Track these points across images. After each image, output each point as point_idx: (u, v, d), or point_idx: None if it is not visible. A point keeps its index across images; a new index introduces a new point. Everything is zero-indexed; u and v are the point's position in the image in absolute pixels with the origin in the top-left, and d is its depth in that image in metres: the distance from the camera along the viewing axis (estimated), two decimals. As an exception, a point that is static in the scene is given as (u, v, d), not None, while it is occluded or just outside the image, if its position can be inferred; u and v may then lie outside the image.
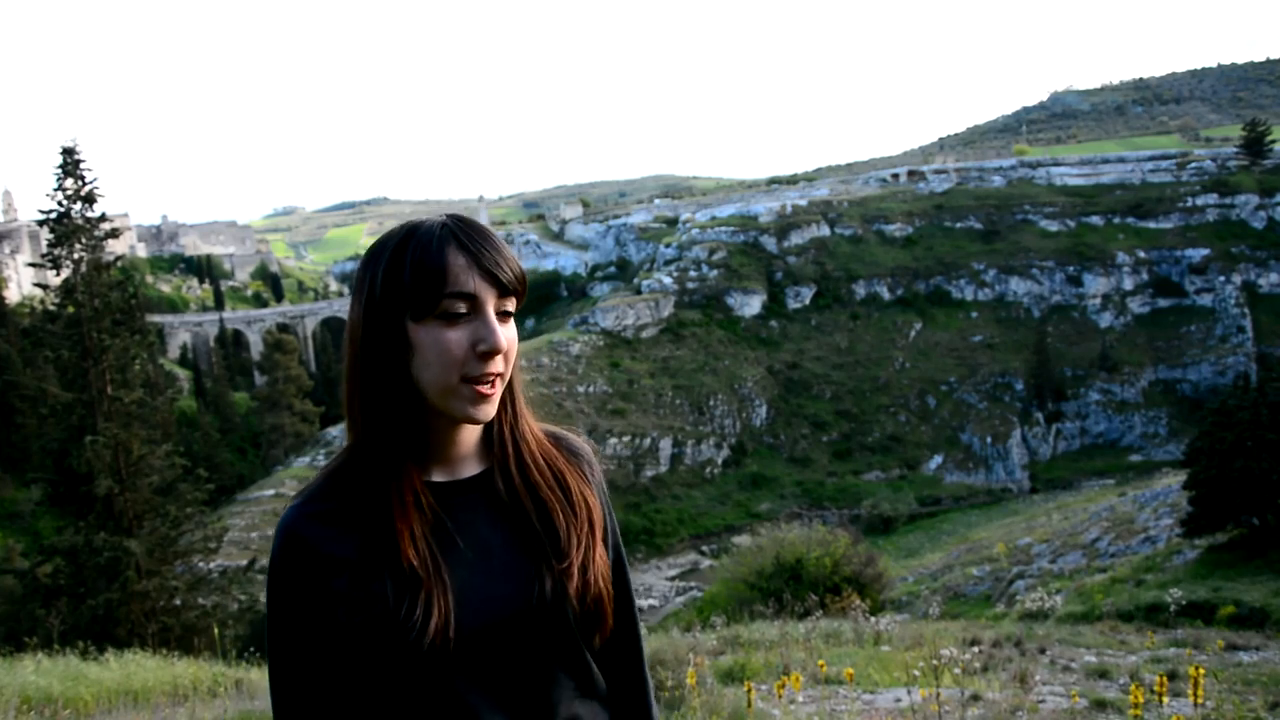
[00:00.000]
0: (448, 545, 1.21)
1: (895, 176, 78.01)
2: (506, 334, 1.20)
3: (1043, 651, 10.05)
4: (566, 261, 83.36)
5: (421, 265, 1.17)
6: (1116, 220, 67.86)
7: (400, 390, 1.20)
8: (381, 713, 1.18)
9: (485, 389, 1.19)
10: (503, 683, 1.20)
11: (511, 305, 1.23)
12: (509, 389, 1.30)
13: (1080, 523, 27.70)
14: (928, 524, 45.98)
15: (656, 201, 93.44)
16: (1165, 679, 4.18)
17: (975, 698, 6.31)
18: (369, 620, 1.15)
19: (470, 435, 1.29)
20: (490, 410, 1.21)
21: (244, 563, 24.89)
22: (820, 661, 6.51)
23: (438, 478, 1.26)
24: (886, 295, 64.49)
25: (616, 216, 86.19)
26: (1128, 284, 64.16)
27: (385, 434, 1.22)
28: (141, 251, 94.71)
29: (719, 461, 54.91)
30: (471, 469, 1.29)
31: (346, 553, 1.18)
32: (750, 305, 63.09)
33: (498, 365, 1.19)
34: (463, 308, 1.17)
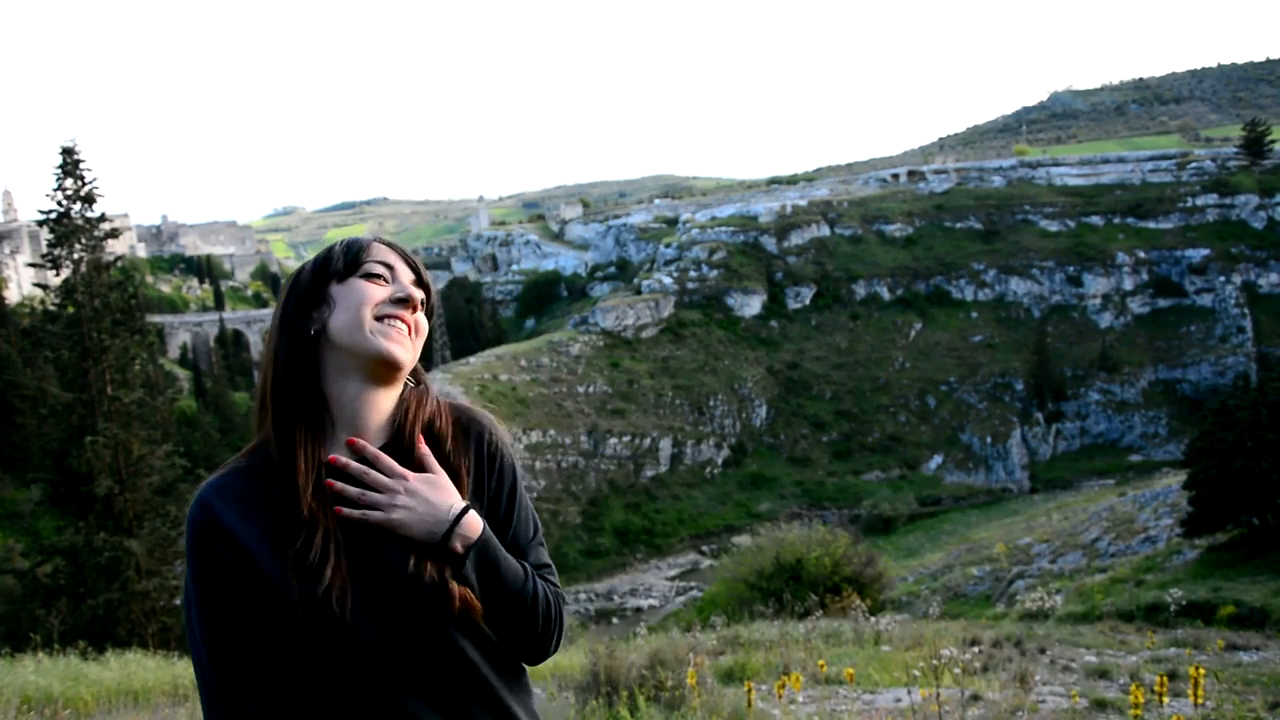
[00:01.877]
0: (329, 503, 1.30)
1: (895, 176, 78.00)
2: (417, 316, 1.36)
3: (1043, 651, 10.05)
4: (566, 261, 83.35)
5: (353, 244, 1.38)
6: (1116, 220, 67.85)
7: (309, 348, 1.32)
8: (286, 672, 1.24)
9: (397, 327, 1.33)
10: (402, 652, 1.25)
11: (421, 296, 1.38)
12: (415, 374, 1.41)
13: (1080, 523, 27.69)
14: (928, 524, 45.98)
15: (656, 201, 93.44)
16: (1165, 679, 4.18)
17: (975, 698, 6.31)
18: (262, 592, 1.22)
19: (383, 405, 1.36)
20: (401, 352, 1.32)
21: (244, 563, 24.84)
22: (820, 661, 6.51)
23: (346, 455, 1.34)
24: (886, 295, 64.48)
25: (616, 216, 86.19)
26: (1128, 284, 64.15)
27: (291, 400, 1.31)
28: (141, 251, 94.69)
29: (719, 461, 54.91)
30: (380, 440, 1.37)
31: (250, 526, 1.26)
32: (750, 305, 63.10)
33: (409, 317, 1.34)
34: (382, 272, 1.35)
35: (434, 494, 1.30)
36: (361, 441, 1.32)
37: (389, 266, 1.36)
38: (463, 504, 1.31)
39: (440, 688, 1.27)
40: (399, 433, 1.36)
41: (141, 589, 17.06)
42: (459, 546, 1.29)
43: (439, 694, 1.27)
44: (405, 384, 1.40)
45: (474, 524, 1.31)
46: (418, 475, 1.31)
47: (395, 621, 1.25)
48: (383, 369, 1.32)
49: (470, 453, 1.41)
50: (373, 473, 1.30)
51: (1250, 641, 11.15)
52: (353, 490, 1.29)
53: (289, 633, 1.22)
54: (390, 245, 1.40)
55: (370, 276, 1.34)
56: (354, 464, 1.30)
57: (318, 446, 1.30)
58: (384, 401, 1.36)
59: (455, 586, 1.27)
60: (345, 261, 1.35)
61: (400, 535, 1.28)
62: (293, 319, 1.34)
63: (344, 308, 1.31)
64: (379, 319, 1.32)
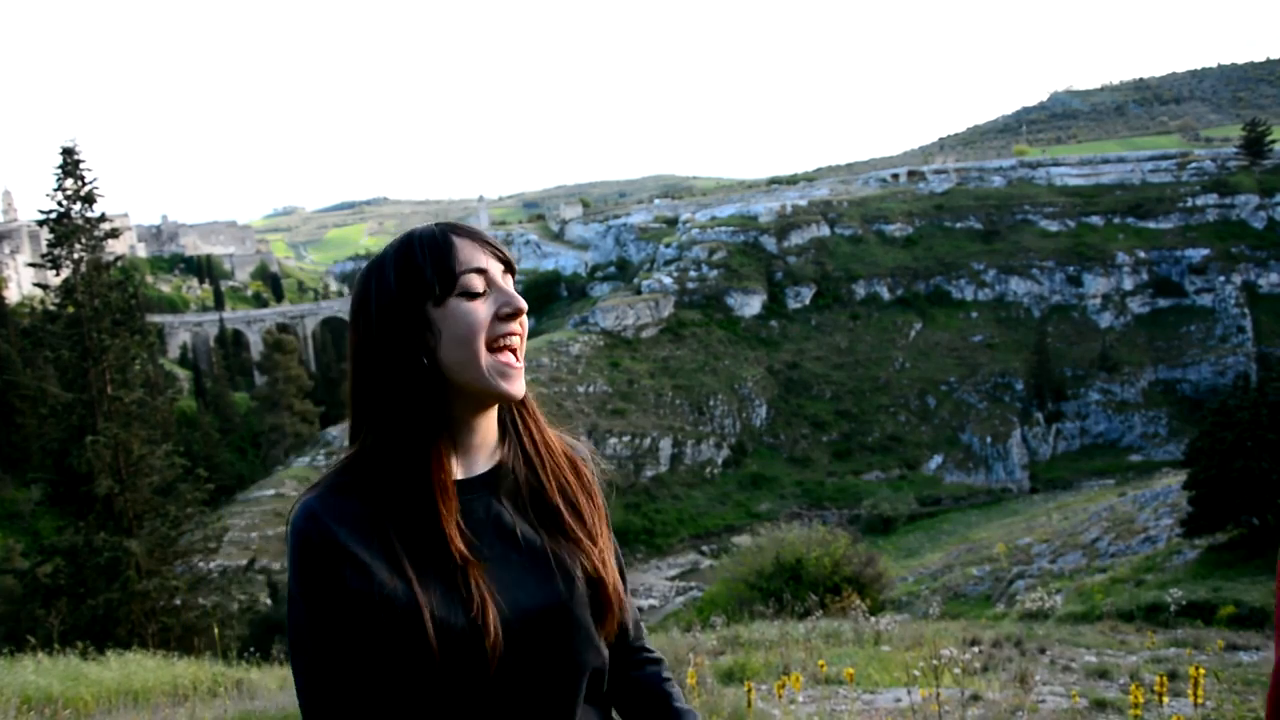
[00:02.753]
0: (473, 540, 1.21)
1: (895, 176, 78.00)
2: (523, 318, 1.24)
3: (1043, 651, 10.05)
4: (566, 261, 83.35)
5: (437, 251, 1.20)
6: (1116, 220, 67.85)
7: (425, 379, 1.19)
8: (400, 709, 1.17)
9: (512, 360, 1.21)
10: (528, 681, 1.19)
11: (512, 282, 1.26)
12: None
13: (1080, 523, 27.69)
14: (928, 524, 45.96)
15: (656, 201, 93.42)
16: (1165, 679, 4.18)
17: (975, 698, 6.31)
18: (386, 619, 1.13)
19: (488, 427, 1.28)
20: (520, 385, 1.22)
21: (244, 563, 24.88)
22: (820, 661, 6.51)
23: (455, 474, 1.25)
24: (886, 295, 64.49)
25: (616, 216, 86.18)
26: (1128, 284, 64.15)
27: (411, 426, 1.19)
28: (141, 251, 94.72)
29: (719, 461, 54.91)
30: (485, 464, 1.28)
31: (365, 548, 1.16)
32: (750, 305, 63.10)
33: (519, 327, 1.22)
34: (479, 283, 1.20)
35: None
36: None
37: (482, 271, 1.22)
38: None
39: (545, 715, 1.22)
40: (523, 455, 1.31)
41: (141, 589, 17.06)
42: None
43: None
44: None
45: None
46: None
47: (534, 651, 1.20)
48: (501, 403, 1.26)
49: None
50: None
51: (1250, 641, 11.15)
52: None
53: (409, 661, 1.15)
54: (470, 235, 1.25)
55: (470, 295, 1.20)
56: None
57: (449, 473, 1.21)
58: (493, 420, 1.30)
59: (616, 611, 1.27)
60: (441, 283, 1.19)
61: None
62: (398, 345, 1.20)
63: (452, 339, 1.19)
64: (493, 348, 1.20)
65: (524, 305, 1.22)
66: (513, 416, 1.32)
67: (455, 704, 1.15)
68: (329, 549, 1.15)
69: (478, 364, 1.19)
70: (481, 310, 1.20)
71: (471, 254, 1.21)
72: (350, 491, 1.20)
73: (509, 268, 1.26)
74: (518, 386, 1.21)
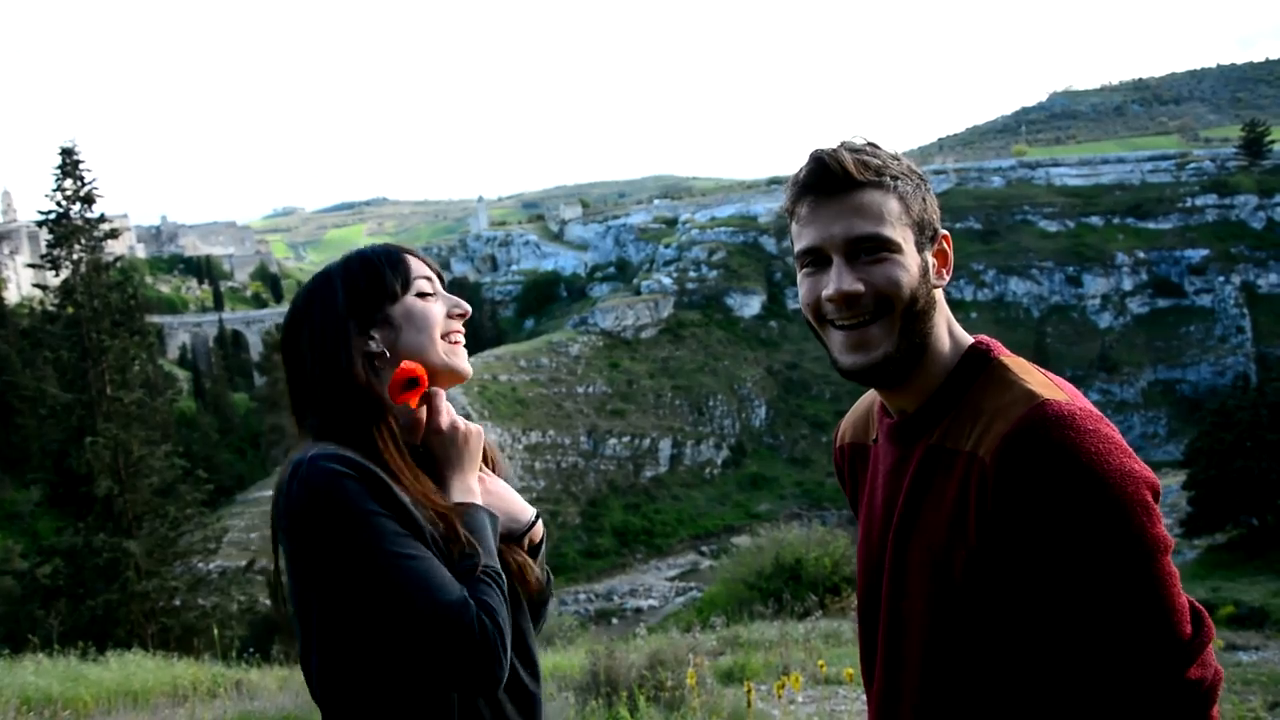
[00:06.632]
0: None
1: (895, 177, 77.98)
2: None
3: (1042, 652, 10.02)
4: (566, 262, 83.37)
5: (393, 260, 1.43)
6: (1116, 220, 67.87)
7: (381, 368, 1.38)
8: None
9: (460, 343, 1.45)
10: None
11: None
12: None
13: (1080, 523, 27.65)
14: (927, 524, 45.96)
15: (656, 202, 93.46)
16: (1165, 679, 4.17)
17: (975, 698, 6.29)
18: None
19: (421, 413, 1.45)
20: (468, 365, 1.46)
21: (243, 563, 24.87)
22: (820, 661, 6.51)
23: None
24: (886, 295, 64.55)
25: (616, 217, 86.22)
26: (1127, 284, 64.18)
27: (368, 406, 1.35)
28: (141, 252, 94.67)
29: (718, 462, 54.91)
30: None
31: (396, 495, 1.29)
32: (750, 305, 63.12)
33: (462, 327, 1.46)
34: (429, 287, 1.44)
35: (508, 493, 1.47)
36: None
37: (429, 279, 1.45)
38: (533, 509, 1.48)
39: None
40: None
41: (141, 590, 17.07)
42: (528, 543, 1.46)
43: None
44: None
45: (540, 528, 1.49)
46: (487, 479, 1.46)
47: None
48: (452, 383, 1.44)
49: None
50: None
51: (1250, 641, 11.15)
52: None
53: None
54: (411, 252, 1.48)
55: (422, 294, 1.43)
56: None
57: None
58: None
59: (535, 571, 1.44)
60: (400, 283, 1.41)
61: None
62: (348, 340, 1.38)
63: (413, 329, 1.39)
64: (444, 336, 1.42)
65: (469, 309, 1.48)
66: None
67: None
68: (375, 477, 1.25)
69: (435, 349, 1.40)
70: (436, 308, 1.42)
71: (419, 265, 1.45)
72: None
73: (442, 281, 1.49)
74: (468, 365, 1.45)
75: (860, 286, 1.15)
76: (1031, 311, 63.73)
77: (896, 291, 1.15)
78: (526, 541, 1.46)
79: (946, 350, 1.23)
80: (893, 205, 1.17)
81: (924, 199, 1.21)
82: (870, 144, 1.21)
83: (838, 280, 1.16)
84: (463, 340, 1.46)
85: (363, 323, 1.38)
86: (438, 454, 1.39)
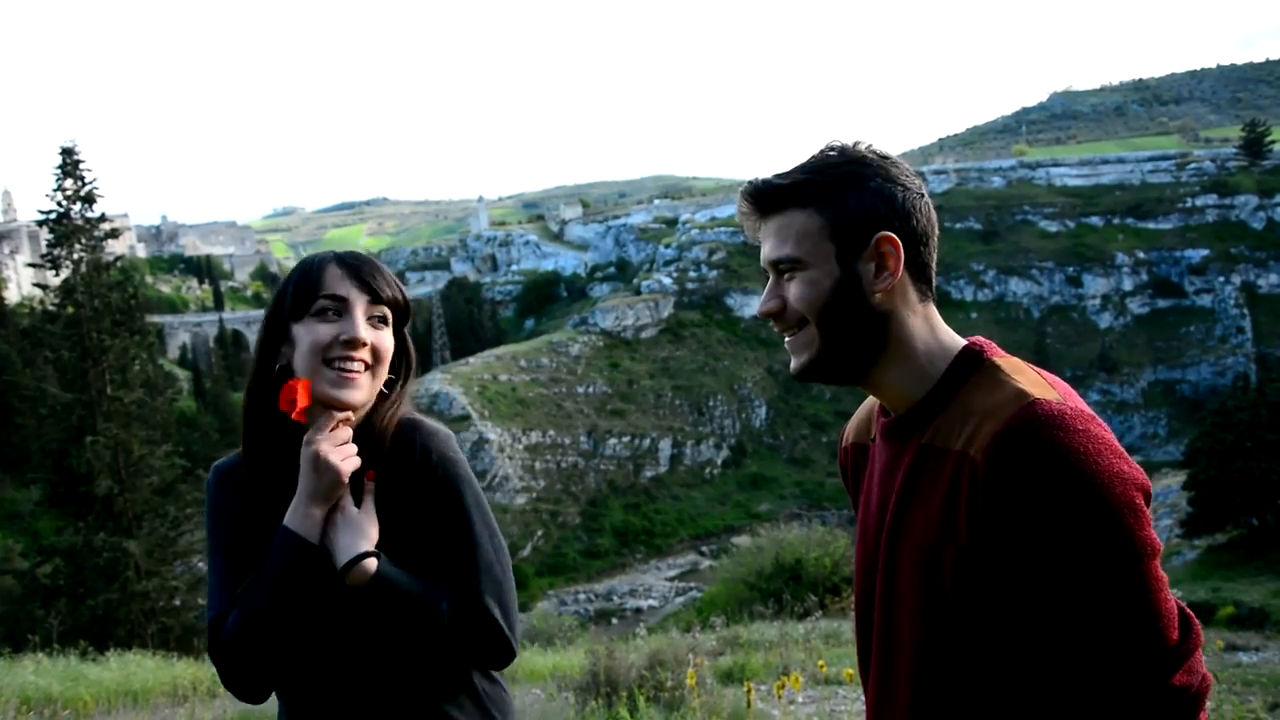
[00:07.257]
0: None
1: (895, 177, 77.97)
2: (376, 337, 1.41)
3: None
4: (566, 262, 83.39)
5: (305, 275, 1.43)
6: (1116, 221, 67.87)
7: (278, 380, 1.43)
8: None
9: (346, 372, 1.38)
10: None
11: (386, 314, 1.44)
12: (389, 397, 1.47)
13: (1080, 523, 27.64)
14: (927, 524, 45.97)
15: (656, 202, 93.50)
16: (1165, 679, 4.17)
17: (975, 698, 6.28)
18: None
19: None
20: (353, 395, 1.39)
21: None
22: (820, 662, 6.50)
23: None
24: (886, 296, 64.56)
25: (616, 217, 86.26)
26: (1127, 284, 64.18)
27: (266, 430, 1.43)
28: (141, 252, 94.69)
29: (718, 462, 54.91)
30: None
31: (236, 507, 1.47)
32: (750, 305, 63.06)
33: (361, 355, 1.39)
34: (331, 308, 1.39)
35: (349, 530, 1.39)
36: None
37: (340, 299, 1.39)
38: (362, 550, 1.37)
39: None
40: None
41: (141, 589, 17.07)
42: (352, 582, 1.39)
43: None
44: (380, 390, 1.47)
45: (363, 572, 1.37)
46: (342, 511, 1.40)
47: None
48: (336, 409, 1.40)
49: (402, 470, 1.45)
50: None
51: (1250, 642, 11.15)
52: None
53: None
54: (349, 265, 1.43)
55: (322, 314, 1.40)
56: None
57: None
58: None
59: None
60: (298, 302, 1.41)
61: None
62: (263, 354, 1.45)
63: (300, 350, 1.40)
64: (329, 363, 1.38)
65: (360, 336, 1.38)
66: (372, 421, 1.49)
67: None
68: (232, 483, 1.53)
69: (314, 375, 1.38)
70: (324, 331, 1.38)
71: (337, 284, 1.40)
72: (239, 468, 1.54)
73: (376, 298, 1.42)
74: (347, 395, 1.39)
75: (773, 304, 1.26)
76: (1032, 312, 63.74)
77: (804, 306, 1.22)
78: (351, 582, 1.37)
79: (926, 348, 1.24)
80: (809, 223, 1.21)
81: (864, 203, 1.19)
82: (840, 145, 1.24)
83: (761, 300, 1.29)
84: (356, 369, 1.39)
85: (280, 334, 1.43)
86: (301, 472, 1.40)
